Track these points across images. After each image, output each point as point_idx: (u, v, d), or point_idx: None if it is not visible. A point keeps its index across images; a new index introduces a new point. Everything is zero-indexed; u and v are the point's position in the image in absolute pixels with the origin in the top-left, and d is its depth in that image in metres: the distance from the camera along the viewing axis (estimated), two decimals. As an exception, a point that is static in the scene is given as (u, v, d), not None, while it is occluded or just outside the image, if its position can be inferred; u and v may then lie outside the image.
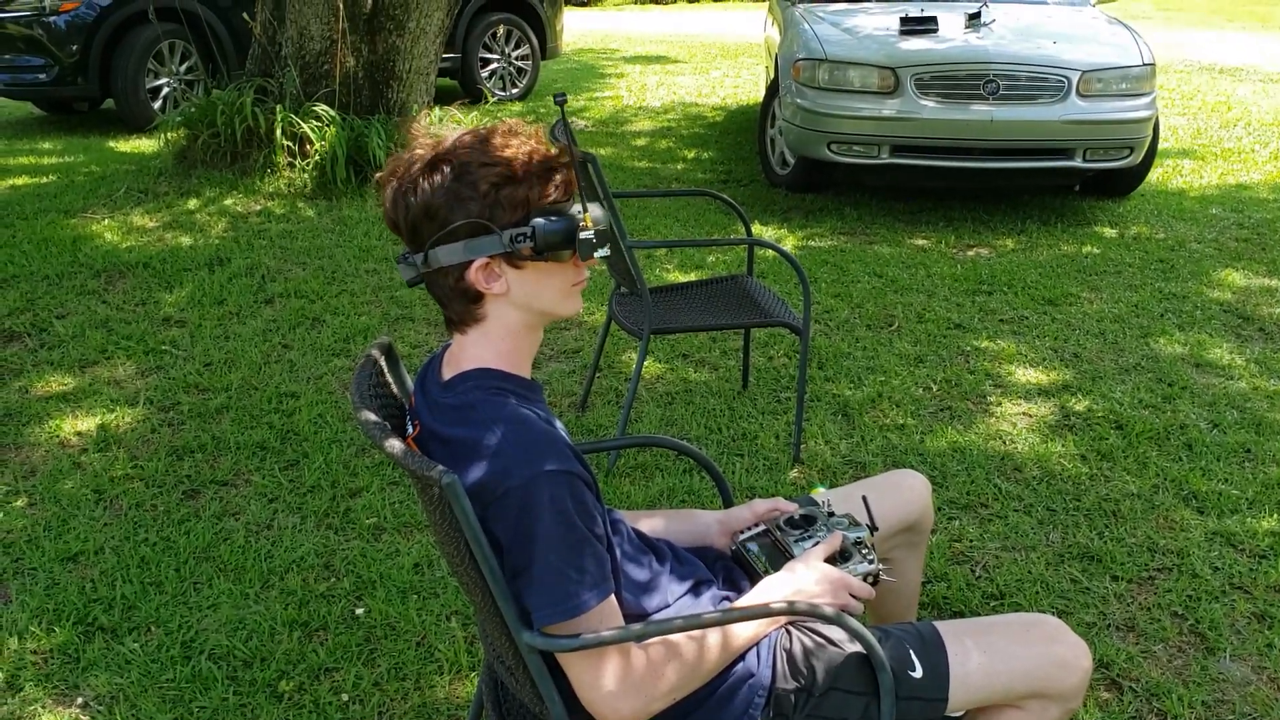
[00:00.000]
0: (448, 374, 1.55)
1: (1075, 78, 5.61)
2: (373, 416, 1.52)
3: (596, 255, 1.49)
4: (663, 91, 10.77)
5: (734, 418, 3.64)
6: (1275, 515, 3.06)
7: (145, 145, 7.76)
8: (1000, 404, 3.77)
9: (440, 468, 1.38)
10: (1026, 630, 1.68)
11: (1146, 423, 3.60)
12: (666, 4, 23.84)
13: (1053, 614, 2.66)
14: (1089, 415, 3.68)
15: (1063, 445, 3.48)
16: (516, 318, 1.53)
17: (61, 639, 2.56)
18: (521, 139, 1.47)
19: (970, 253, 5.45)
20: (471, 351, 1.53)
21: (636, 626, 1.49)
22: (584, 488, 1.44)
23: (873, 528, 1.83)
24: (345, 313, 4.57)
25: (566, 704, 1.52)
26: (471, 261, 1.46)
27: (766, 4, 9.22)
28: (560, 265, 1.50)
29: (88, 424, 3.60)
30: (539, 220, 1.44)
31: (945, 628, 1.68)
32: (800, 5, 6.93)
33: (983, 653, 1.64)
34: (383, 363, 1.74)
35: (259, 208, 6.02)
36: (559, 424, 1.56)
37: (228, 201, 6.09)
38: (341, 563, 2.87)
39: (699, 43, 15.32)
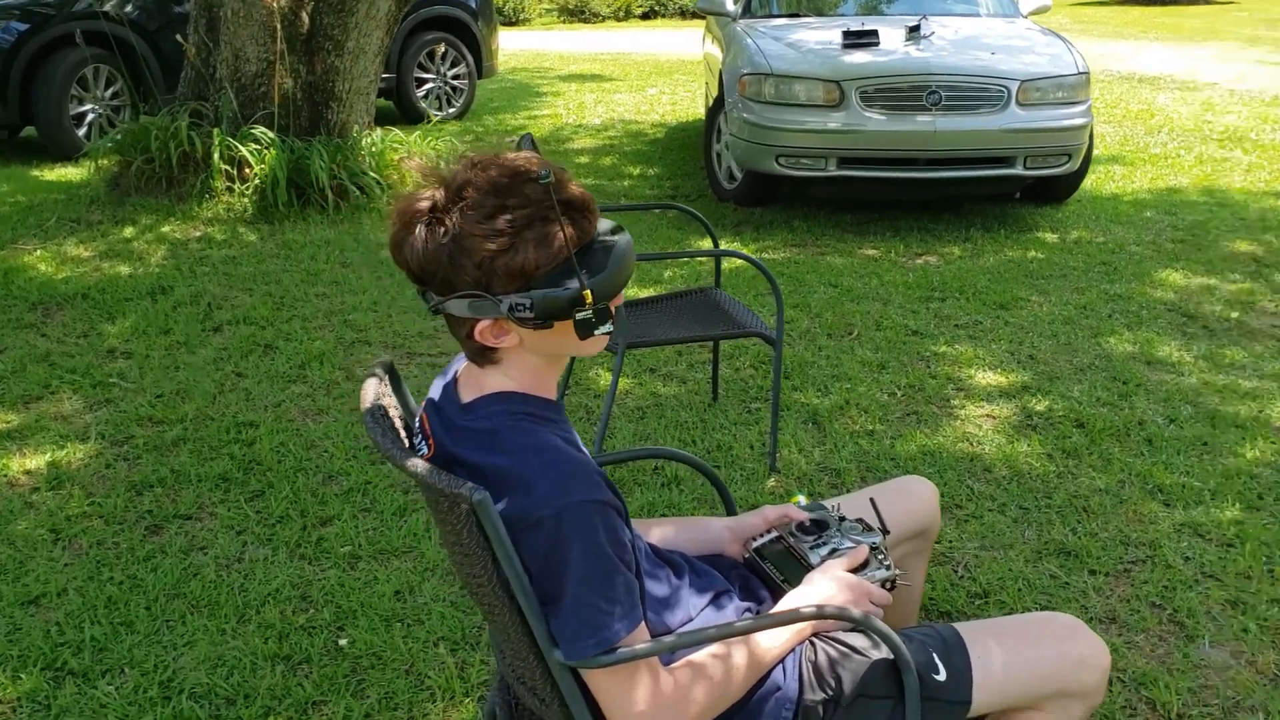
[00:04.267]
0: (467, 396, 1.51)
1: (1014, 87, 5.72)
2: (389, 438, 1.49)
3: (597, 334, 1.42)
4: (601, 109, 10.78)
5: (707, 430, 3.63)
6: (1237, 505, 3.13)
7: (73, 173, 7.56)
8: (964, 407, 3.81)
9: (469, 485, 1.35)
10: (1045, 629, 1.68)
11: (1106, 420, 3.67)
12: (594, 23, 23.91)
13: (1038, 610, 2.68)
14: (1050, 415, 3.73)
15: (1028, 445, 3.52)
16: (535, 359, 1.49)
17: (30, 686, 2.46)
18: (519, 195, 1.37)
19: (919, 261, 5.52)
20: (491, 378, 1.50)
21: (669, 638, 1.47)
22: (615, 516, 1.41)
23: (884, 531, 1.83)
24: (298, 338, 4.48)
25: (597, 725, 1.49)
26: (476, 319, 1.41)
27: (704, 21, 9.29)
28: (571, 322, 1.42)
29: (37, 462, 3.48)
30: (538, 293, 1.37)
31: (966, 630, 1.68)
32: (741, 21, 6.98)
33: (1004, 654, 1.65)
34: (386, 383, 1.70)
35: (198, 234, 5.89)
36: (583, 447, 1.53)
37: (165, 228, 5.96)
38: (319, 593, 2.80)
39: (631, 60, 15.36)
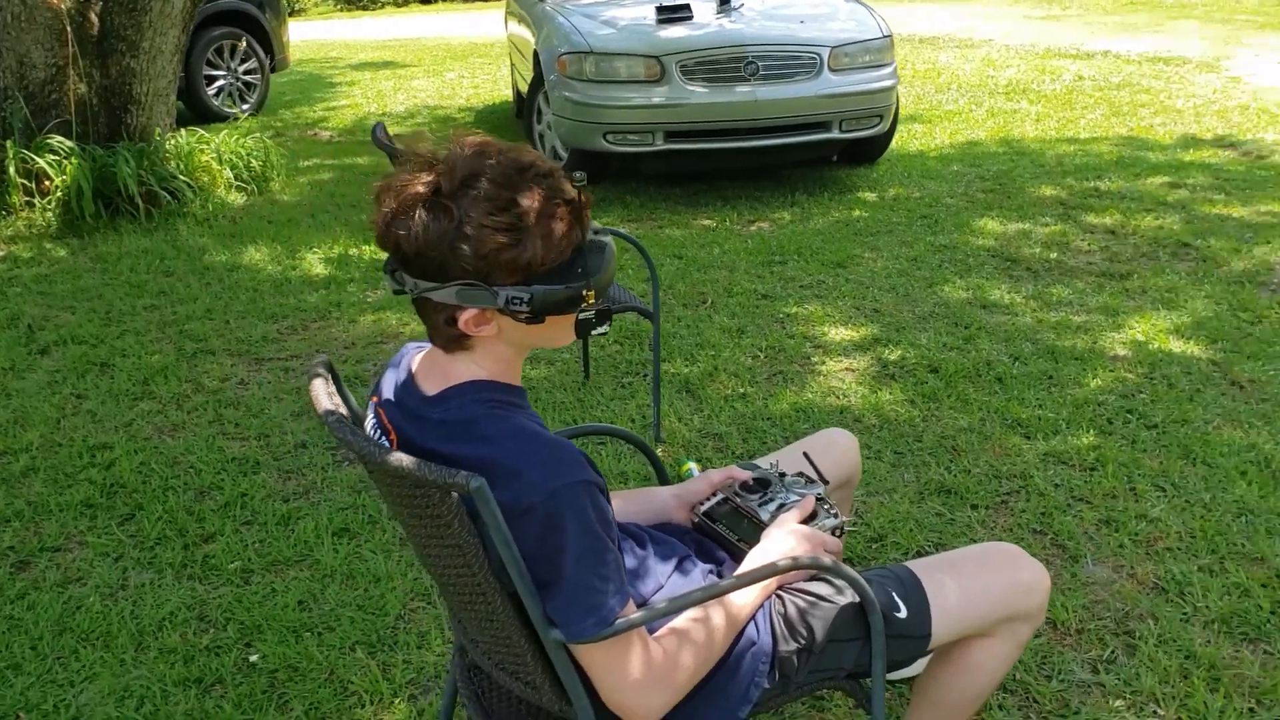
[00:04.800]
0: (432, 388, 1.49)
1: (826, 54, 5.94)
2: (359, 436, 1.45)
3: (595, 333, 1.46)
4: (402, 97, 10.57)
5: (585, 409, 3.65)
6: (1091, 431, 3.37)
7: None
8: (824, 363, 3.96)
9: (464, 473, 1.33)
10: (991, 559, 1.78)
11: (956, 363, 3.88)
12: (374, 10, 23.36)
13: (931, 550, 2.84)
14: (904, 363, 3.92)
15: (890, 393, 3.69)
16: (507, 350, 1.49)
17: (-84, 746, 2.28)
18: (530, 190, 1.36)
19: (753, 227, 5.68)
20: (460, 368, 1.48)
21: (661, 604, 1.50)
22: (600, 494, 1.43)
23: (824, 481, 1.90)
24: (134, 354, 4.25)
25: (594, 706, 1.50)
26: (463, 307, 1.40)
27: (501, 4, 9.23)
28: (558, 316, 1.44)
29: None
30: (539, 288, 1.38)
31: (918, 567, 1.76)
32: (550, 0, 6.97)
33: (957, 586, 1.73)
34: (331, 382, 1.65)
35: (1, 254, 5.49)
36: None
37: (-39, 251, 5.54)
38: (217, 612, 2.69)
39: (422, 46, 15.11)
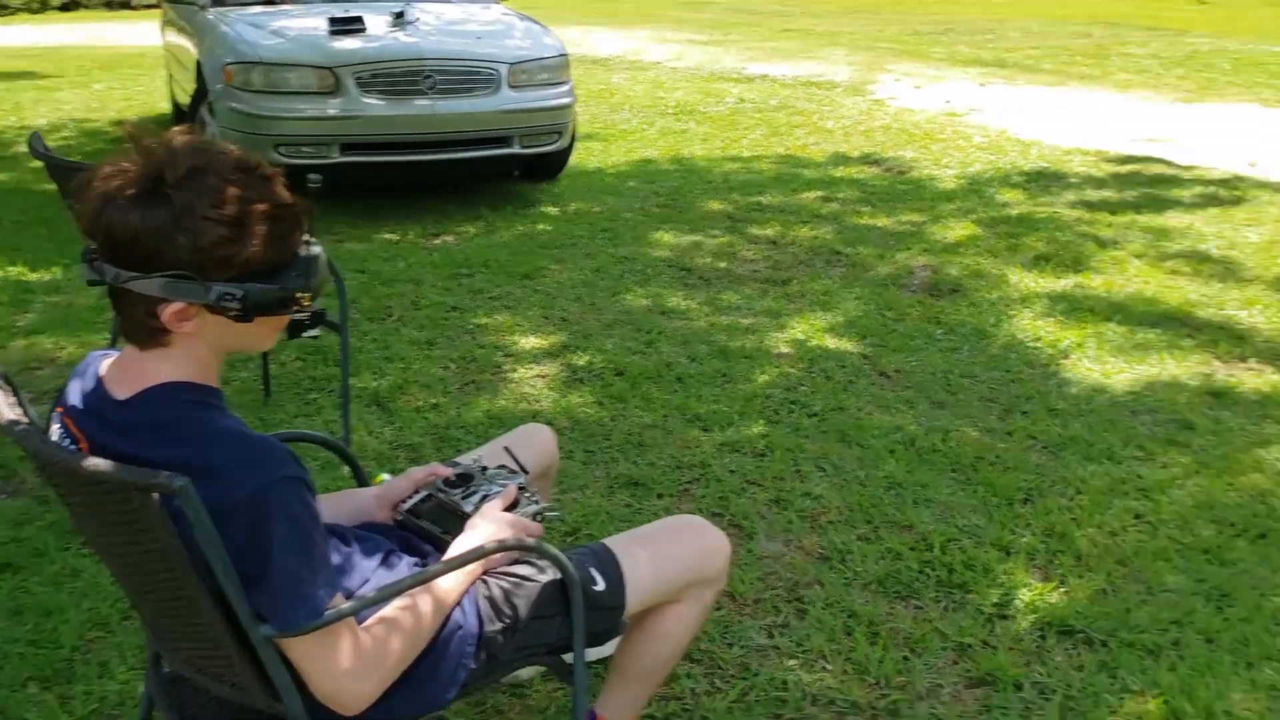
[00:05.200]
0: (123, 391, 1.44)
1: (504, 70, 6.06)
2: (49, 443, 1.39)
3: (306, 335, 1.49)
4: (45, 109, 9.79)
5: (269, 427, 3.55)
6: (760, 422, 3.64)
7: None
8: (515, 370, 4.05)
9: (166, 474, 1.31)
10: (679, 531, 1.94)
11: (640, 366, 4.07)
12: (4, 16, 21.41)
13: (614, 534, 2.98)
14: (591, 367, 4.08)
15: (580, 396, 3.83)
16: (205, 349, 1.47)
17: None
18: (255, 189, 1.38)
19: (438, 241, 5.70)
20: (153, 367, 1.45)
21: (371, 593, 1.52)
22: (306, 489, 1.44)
23: (525, 471, 1.97)
24: None
25: (304, 699, 1.50)
26: (167, 300, 1.37)
27: (160, 13, 8.77)
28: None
29: None
30: (254, 286, 1.39)
31: (613, 543, 1.88)
32: (213, 10, 6.69)
33: (650, 558, 1.87)
34: (11, 394, 1.56)
35: None
36: None
37: None
38: None
39: (66, 55, 14.03)
